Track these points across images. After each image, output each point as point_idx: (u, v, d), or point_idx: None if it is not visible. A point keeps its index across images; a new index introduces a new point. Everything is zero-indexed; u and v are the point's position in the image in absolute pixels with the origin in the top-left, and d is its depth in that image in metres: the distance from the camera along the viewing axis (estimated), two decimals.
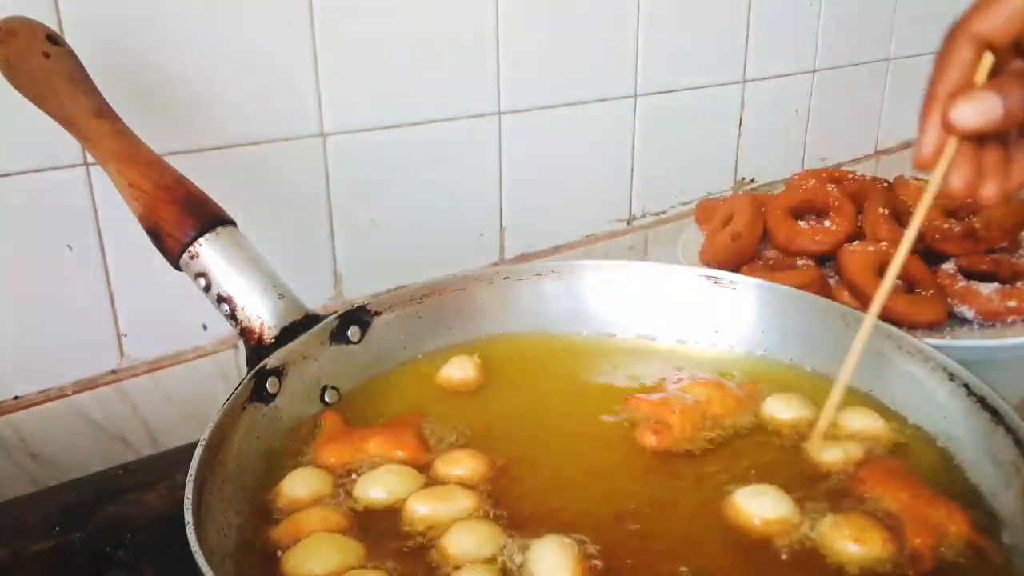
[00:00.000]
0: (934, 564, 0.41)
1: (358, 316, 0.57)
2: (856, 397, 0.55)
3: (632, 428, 0.53)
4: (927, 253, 0.81)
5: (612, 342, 0.64)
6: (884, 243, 0.80)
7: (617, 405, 0.55)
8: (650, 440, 0.51)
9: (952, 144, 0.42)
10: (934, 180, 0.44)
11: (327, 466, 0.49)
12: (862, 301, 0.75)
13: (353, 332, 0.57)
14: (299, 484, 0.47)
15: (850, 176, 0.95)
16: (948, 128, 0.41)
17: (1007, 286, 0.75)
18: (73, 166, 0.63)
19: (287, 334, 0.53)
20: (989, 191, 0.43)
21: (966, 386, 0.49)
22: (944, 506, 0.44)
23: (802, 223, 0.86)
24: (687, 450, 0.51)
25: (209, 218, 0.52)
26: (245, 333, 0.52)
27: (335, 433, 0.51)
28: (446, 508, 0.44)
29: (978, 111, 0.39)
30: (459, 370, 0.58)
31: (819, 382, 0.57)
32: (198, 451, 0.43)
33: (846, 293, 0.77)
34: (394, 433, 0.51)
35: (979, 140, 0.42)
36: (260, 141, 0.71)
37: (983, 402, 0.47)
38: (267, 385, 0.51)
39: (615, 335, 0.64)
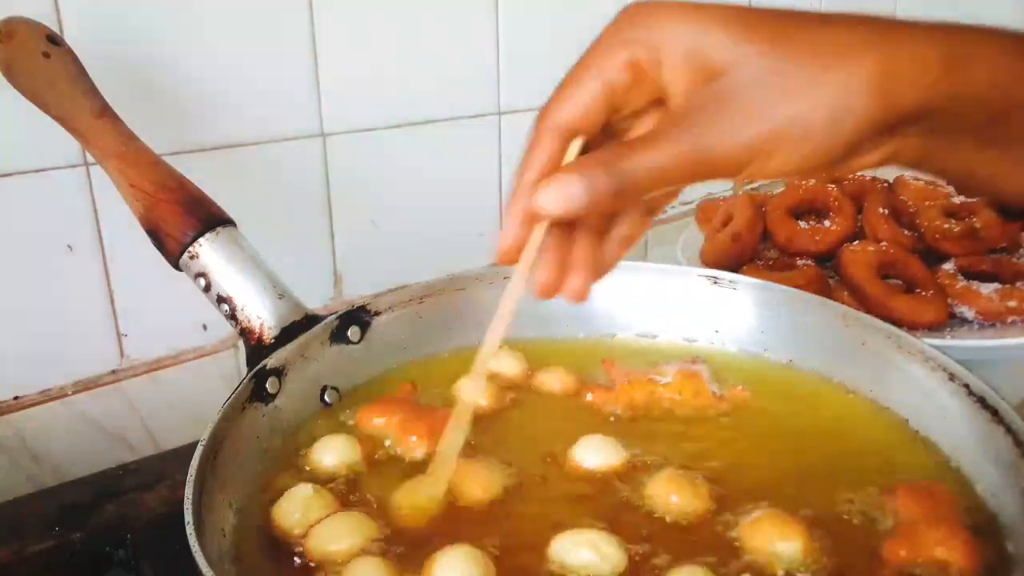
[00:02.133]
0: (893, 572, 0.41)
1: (358, 316, 0.57)
2: (856, 397, 0.56)
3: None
4: (927, 253, 0.81)
5: (613, 342, 0.64)
6: (884, 243, 0.80)
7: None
8: (586, 395, 0.56)
9: (537, 235, 0.39)
10: (516, 275, 0.41)
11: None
12: (862, 301, 0.75)
13: (353, 332, 0.57)
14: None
15: (850, 176, 0.95)
16: (534, 216, 0.38)
17: (1007, 286, 0.75)
18: (73, 166, 0.63)
19: (287, 334, 0.53)
20: (575, 284, 0.40)
21: (966, 386, 0.49)
22: (948, 531, 0.42)
23: (802, 223, 0.86)
24: (618, 414, 0.54)
25: (209, 218, 0.52)
26: (245, 333, 0.52)
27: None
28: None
29: (562, 196, 0.36)
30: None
31: (819, 382, 0.58)
32: (198, 451, 0.43)
33: (846, 293, 0.77)
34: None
35: (567, 231, 0.40)
36: (260, 141, 0.71)
37: (983, 402, 0.47)
38: (267, 385, 0.51)
39: (615, 335, 0.64)
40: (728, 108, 0.34)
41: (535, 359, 0.61)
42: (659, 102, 0.38)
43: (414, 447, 0.50)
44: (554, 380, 0.58)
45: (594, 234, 0.41)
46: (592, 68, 0.38)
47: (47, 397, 0.66)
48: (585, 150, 0.39)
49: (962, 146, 0.36)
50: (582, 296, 0.41)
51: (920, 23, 0.34)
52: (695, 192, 1.09)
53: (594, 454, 0.49)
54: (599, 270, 0.41)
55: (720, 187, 1.13)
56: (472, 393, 0.48)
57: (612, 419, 0.54)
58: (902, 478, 0.47)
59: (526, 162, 0.40)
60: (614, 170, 0.35)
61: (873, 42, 0.33)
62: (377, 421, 0.52)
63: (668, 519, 0.45)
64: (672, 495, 0.45)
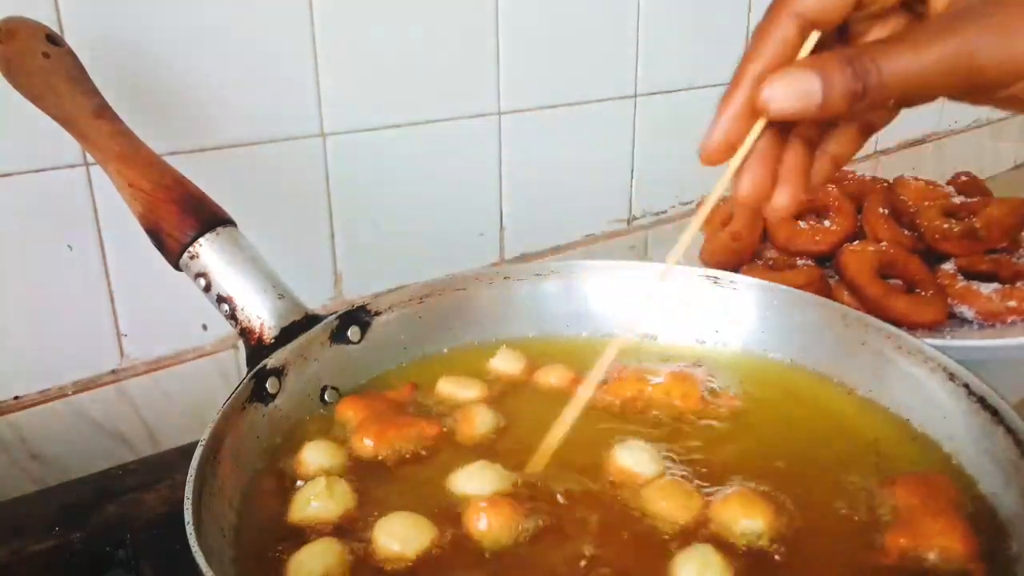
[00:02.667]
0: (894, 562, 0.41)
1: (358, 316, 0.57)
2: (856, 398, 0.56)
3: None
4: (927, 253, 0.81)
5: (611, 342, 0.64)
6: (884, 243, 0.80)
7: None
8: (577, 388, 0.55)
9: (754, 133, 0.36)
10: (722, 180, 0.38)
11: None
12: (862, 301, 0.75)
13: (353, 332, 0.57)
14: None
15: (850, 176, 0.95)
16: (757, 110, 0.35)
17: (1007, 286, 0.75)
18: (73, 166, 0.63)
19: (287, 334, 0.53)
20: (781, 199, 0.37)
21: (966, 386, 0.49)
22: (947, 521, 0.42)
23: (802, 223, 0.86)
24: (605, 406, 0.55)
25: (209, 218, 0.52)
26: (245, 333, 0.52)
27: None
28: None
29: (795, 92, 0.32)
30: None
31: (819, 381, 0.58)
32: (198, 451, 0.43)
33: (846, 293, 0.77)
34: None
35: (783, 134, 0.37)
36: (260, 141, 0.71)
37: (983, 402, 0.47)
38: (267, 385, 0.51)
39: (615, 335, 0.64)
40: (1008, 10, 0.31)
41: (536, 358, 0.61)
42: (907, 5, 0.35)
43: (365, 448, 0.50)
44: (552, 376, 0.58)
45: (807, 145, 0.38)
46: None
47: (47, 397, 0.66)
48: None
49: None
50: (787, 210, 0.37)
51: None
52: (695, 192, 1.09)
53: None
54: (808, 185, 0.38)
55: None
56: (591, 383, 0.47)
57: (593, 411, 0.54)
58: (922, 471, 0.48)
59: (755, 48, 0.35)
60: (861, 68, 0.32)
61: None
62: (347, 414, 0.52)
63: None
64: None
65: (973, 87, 0.32)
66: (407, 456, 0.50)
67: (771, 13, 0.36)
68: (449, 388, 0.56)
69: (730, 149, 0.36)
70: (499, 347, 0.61)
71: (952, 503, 0.44)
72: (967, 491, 0.46)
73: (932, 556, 0.41)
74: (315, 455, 0.49)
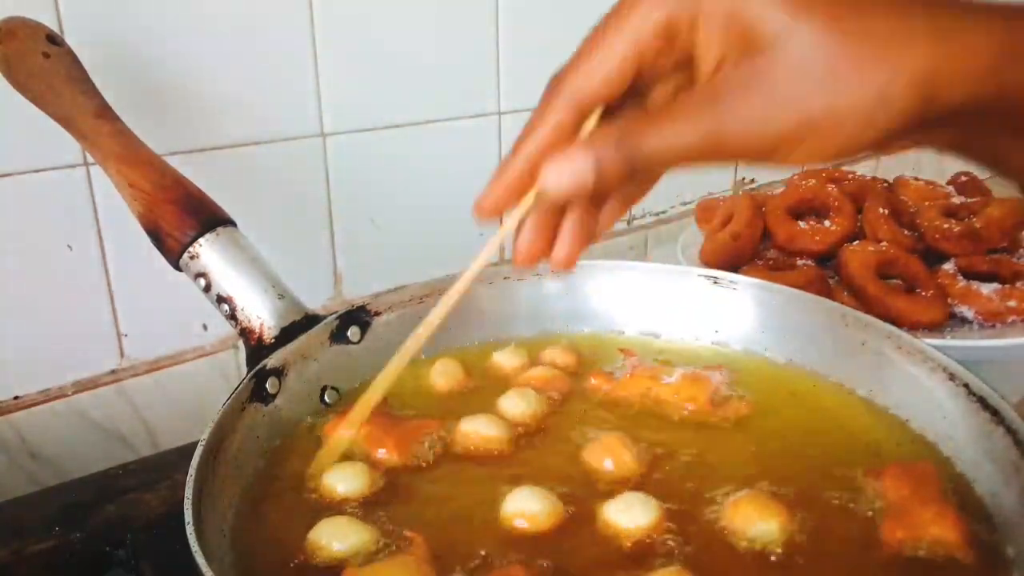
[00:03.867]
0: (893, 553, 0.42)
1: (358, 316, 0.57)
2: (856, 398, 0.56)
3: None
4: (927, 253, 0.81)
5: (612, 342, 0.64)
6: (884, 243, 0.80)
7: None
8: (590, 381, 0.57)
9: (525, 204, 0.38)
10: (491, 241, 0.40)
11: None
12: (862, 301, 0.75)
13: (353, 332, 0.57)
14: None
15: (850, 176, 0.95)
16: (525, 185, 0.37)
17: (1007, 286, 0.75)
18: (73, 166, 0.63)
19: (287, 334, 0.53)
20: (562, 252, 0.39)
21: (966, 386, 0.49)
22: (938, 510, 0.43)
23: (802, 223, 0.86)
24: (613, 400, 0.55)
25: (209, 218, 0.52)
26: (245, 333, 0.52)
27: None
28: None
29: (570, 175, 0.34)
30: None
31: (819, 381, 0.58)
32: (198, 451, 0.43)
33: (846, 293, 0.77)
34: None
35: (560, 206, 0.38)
36: (260, 141, 0.71)
37: (983, 402, 0.47)
38: (267, 385, 0.51)
39: (615, 335, 0.64)
40: (761, 91, 0.32)
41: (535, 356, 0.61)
42: (683, 65, 0.35)
43: (384, 460, 0.49)
44: (556, 356, 0.60)
45: (584, 210, 0.39)
46: (622, 29, 0.35)
47: (47, 397, 0.66)
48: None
49: (1000, 136, 0.34)
50: (570, 264, 0.39)
51: (983, 5, 0.32)
52: (695, 192, 1.09)
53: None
54: (588, 238, 0.39)
55: (720, 187, 1.13)
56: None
57: (619, 405, 0.55)
58: (906, 460, 0.48)
59: (531, 129, 0.37)
60: (626, 147, 0.33)
61: (925, 31, 0.31)
62: (344, 434, 0.50)
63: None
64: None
65: (732, 157, 0.34)
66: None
67: (547, 94, 0.37)
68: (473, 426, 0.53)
69: (499, 212, 0.39)
70: (499, 347, 0.61)
71: (940, 491, 0.45)
72: (960, 486, 0.47)
73: (927, 545, 0.42)
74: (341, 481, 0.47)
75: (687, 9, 0.33)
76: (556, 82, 0.36)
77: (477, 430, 0.51)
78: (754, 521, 0.43)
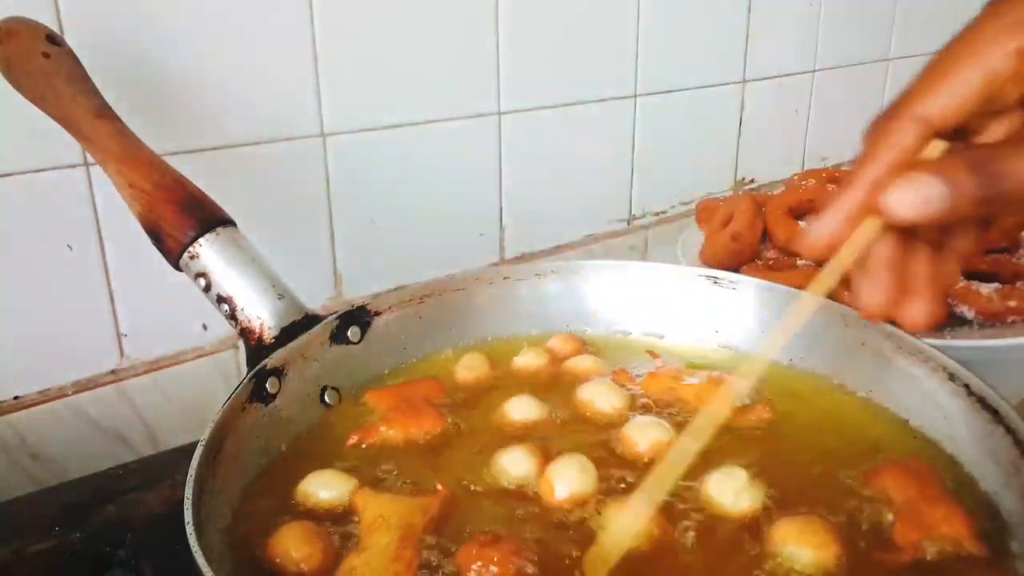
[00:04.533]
0: (912, 557, 0.41)
1: (358, 316, 0.57)
2: (856, 398, 0.56)
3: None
4: None
5: (613, 342, 0.64)
6: None
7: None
8: (610, 376, 0.57)
9: (863, 234, 0.34)
10: (827, 273, 0.35)
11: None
12: None
13: (353, 332, 0.57)
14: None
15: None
16: (877, 213, 0.34)
17: (1007, 286, 0.75)
18: (73, 166, 0.63)
19: (287, 334, 0.53)
20: (917, 312, 0.36)
21: (966, 386, 0.49)
22: (946, 508, 0.43)
23: (802, 223, 0.86)
24: (637, 403, 0.55)
25: (209, 218, 0.52)
26: (245, 333, 0.52)
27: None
28: None
29: (919, 198, 0.31)
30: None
31: (819, 382, 0.58)
32: (198, 451, 0.43)
33: (846, 293, 0.77)
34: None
35: (902, 243, 0.35)
36: (260, 141, 0.71)
37: (983, 402, 0.47)
38: (267, 385, 0.51)
39: (615, 335, 0.64)
40: None
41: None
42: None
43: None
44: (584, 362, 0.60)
45: (931, 248, 0.36)
46: (973, 55, 0.34)
47: (47, 397, 0.66)
48: None
49: None
50: (926, 325, 0.36)
51: None
52: (695, 192, 1.09)
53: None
54: (941, 291, 0.36)
55: (720, 187, 1.13)
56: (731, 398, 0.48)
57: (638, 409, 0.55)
58: (900, 458, 0.48)
59: (873, 152, 0.35)
60: (987, 175, 0.31)
61: None
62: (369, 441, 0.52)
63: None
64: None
65: None
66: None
67: (891, 115, 0.35)
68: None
69: (837, 243, 0.35)
70: (499, 347, 0.62)
71: (942, 487, 0.45)
72: (960, 479, 0.47)
73: (941, 544, 0.42)
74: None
75: None
76: (904, 103, 0.35)
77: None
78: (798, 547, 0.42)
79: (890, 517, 0.44)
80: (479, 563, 0.39)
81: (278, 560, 0.42)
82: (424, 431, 0.52)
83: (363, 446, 0.51)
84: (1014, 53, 0.33)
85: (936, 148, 0.34)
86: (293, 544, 0.42)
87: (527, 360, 0.60)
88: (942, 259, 0.37)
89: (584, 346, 0.62)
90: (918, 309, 0.36)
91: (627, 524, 0.41)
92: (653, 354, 0.61)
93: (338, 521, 0.45)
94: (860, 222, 0.35)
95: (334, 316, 0.56)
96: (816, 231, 0.36)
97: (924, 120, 0.34)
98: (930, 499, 0.44)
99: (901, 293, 0.36)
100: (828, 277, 0.36)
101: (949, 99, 0.34)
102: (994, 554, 0.41)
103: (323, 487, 0.47)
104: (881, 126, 0.35)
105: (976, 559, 0.41)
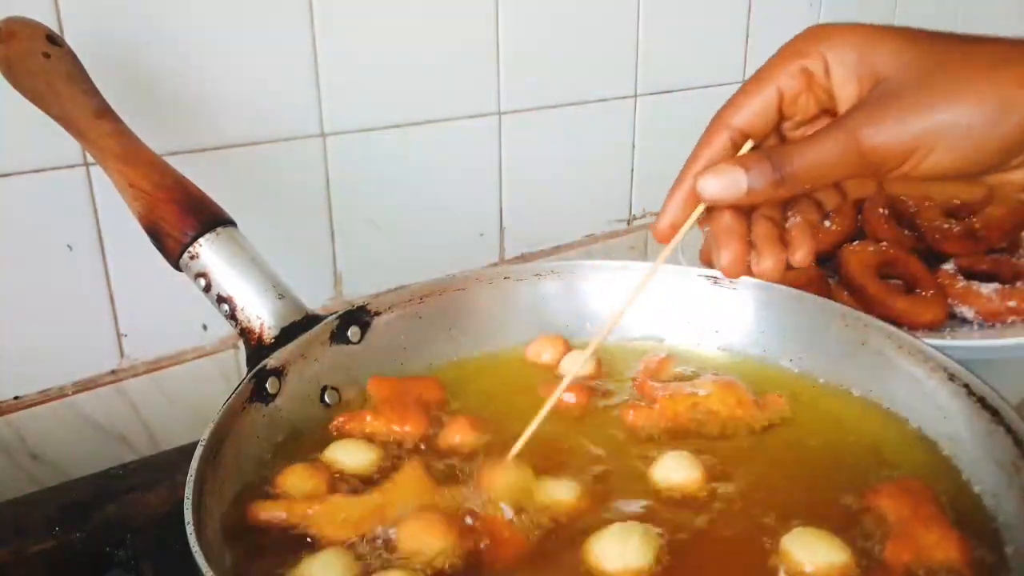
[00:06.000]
0: (903, 574, 0.41)
1: (358, 316, 0.57)
2: (856, 398, 0.56)
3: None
4: (927, 253, 0.81)
5: (612, 342, 0.64)
6: (884, 243, 0.80)
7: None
8: (628, 415, 0.54)
9: (692, 216, 0.43)
10: (664, 251, 0.45)
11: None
12: (862, 301, 0.75)
13: (353, 332, 0.57)
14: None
15: None
16: (695, 200, 0.43)
17: (1007, 286, 0.75)
18: (73, 166, 0.63)
19: (287, 334, 0.53)
20: (766, 264, 0.43)
21: (966, 386, 0.49)
22: (940, 531, 0.42)
23: None
24: (665, 430, 0.53)
25: (209, 218, 0.52)
26: (245, 333, 0.52)
27: None
28: None
29: (724, 182, 0.40)
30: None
31: (819, 382, 0.58)
32: (198, 451, 0.43)
33: (846, 293, 0.77)
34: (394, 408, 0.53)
35: (744, 216, 0.43)
36: (260, 141, 0.71)
37: (983, 402, 0.47)
38: (267, 385, 0.51)
39: (615, 335, 0.64)
40: (891, 105, 0.38)
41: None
42: (828, 112, 0.43)
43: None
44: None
45: (774, 224, 0.44)
46: (767, 76, 0.43)
47: (47, 397, 0.66)
48: None
49: None
50: (774, 275, 0.43)
51: None
52: None
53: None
54: (792, 252, 0.43)
55: None
56: (573, 366, 0.51)
57: (656, 437, 0.53)
58: (899, 477, 0.47)
59: (696, 154, 0.44)
60: (776, 162, 0.40)
61: (1017, 59, 0.37)
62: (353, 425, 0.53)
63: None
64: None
65: (867, 169, 0.39)
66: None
67: (709, 126, 0.44)
68: None
69: (675, 229, 0.44)
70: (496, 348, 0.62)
71: (938, 508, 0.44)
72: (958, 495, 0.46)
73: (933, 567, 0.41)
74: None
75: (820, 60, 0.41)
76: (718, 116, 0.44)
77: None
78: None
79: (881, 533, 0.43)
80: None
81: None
82: (404, 431, 0.52)
83: (345, 428, 0.52)
84: (799, 73, 0.42)
85: (748, 145, 0.43)
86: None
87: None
88: (789, 225, 0.44)
89: (567, 347, 0.62)
90: (765, 263, 0.43)
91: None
92: (639, 384, 0.58)
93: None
94: (690, 207, 0.44)
95: (334, 316, 0.56)
96: (661, 220, 0.45)
97: (734, 127, 0.43)
98: (924, 521, 0.43)
99: (747, 255, 0.43)
100: (669, 250, 0.46)
101: (752, 110, 0.43)
102: None
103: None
104: (704, 134, 0.44)
105: None
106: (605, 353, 0.62)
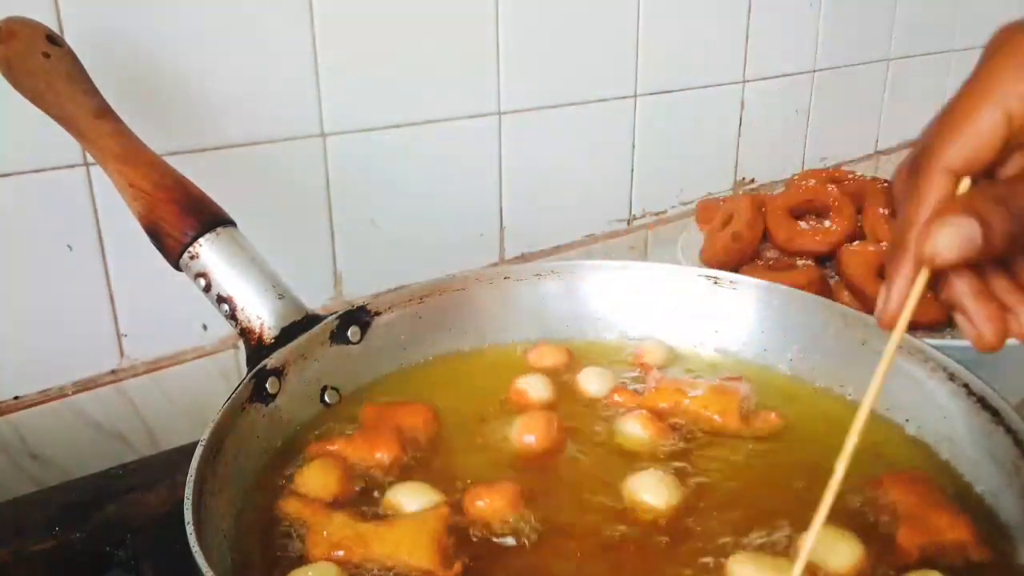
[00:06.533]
0: (919, 558, 0.42)
1: (358, 316, 0.57)
2: (856, 398, 0.56)
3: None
4: None
5: (612, 342, 0.64)
6: (884, 243, 0.80)
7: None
8: (613, 397, 0.56)
9: (918, 286, 0.36)
10: (893, 340, 0.37)
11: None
12: (862, 301, 0.75)
13: (353, 332, 0.57)
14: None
15: (850, 176, 0.95)
16: (925, 262, 0.35)
17: None
18: (73, 166, 0.63)
19: (287, 334, 0.53)
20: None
21: (966, 386, 0.49)
22: (949, 515, 0.43)
23: (802, 223, 0.86)
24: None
25: (209, 218, 0.52)
26: (245, 333, 0.52)
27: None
28: None
29: (957, 240, 0.33)
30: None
31: (819, 382, 0.58)
32: (198, 451, 0.43)
33: (846, 293, 0.77)
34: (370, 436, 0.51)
35: (974, 271, 0.36)
36: (260, 141, 0.71)
37: (983, 402, 0.47)
38: (267, 385, 0.51)
39: (615, 335, 0.64)
40: None
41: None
42: None
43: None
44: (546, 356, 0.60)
45: (1006, 275, 0.37)
46: (989, 98, 0.34)
47: (47, 397, 0.66)
48: None
49: None
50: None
51: None
52: (695, 192, 1.09)
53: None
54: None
55: (720, 187, 1.13)
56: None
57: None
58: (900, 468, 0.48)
59: (910, 211, 0.36)
60: (1017, 207, 0.33)
61: None
62: (329, 448, 0.51)
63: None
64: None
65: None
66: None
67: (918, 170, 0.36)
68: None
69: (914, 303, 0.37)
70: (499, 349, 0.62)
71: (944, 496, 0.46)
72: (959, 487, 0.47)
73: (946, 549, 0.42)
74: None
75: None
76: (931, 156, 0.36)
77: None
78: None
79: (890, 521, 0.44)
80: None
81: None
82: (376, 461, 0.50)
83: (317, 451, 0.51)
84: None
85: (962, 186, 0.35)
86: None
87: (536, 391, 0.57)
88: (1017, 270, 0.37)
89: (570, 357, 0.61)
90: (1020, 321, 0.37)
91: None
92: (645, 367, 0.60)
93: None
94: (915, 277, 0.36)
95: (334, 316, 0.56)
96: (889, 303, 0.37)
97: (951, 171, 0.35)
98: (933, 506, 0.44)
99: (1005, 313, 0.37)
100: (899, 333, 0.38)
101: (972, 148, 0.34)
102: (998, 558, 0.42)
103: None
104: (911, 183, 0.36)
105: (980, 564, 0.41)
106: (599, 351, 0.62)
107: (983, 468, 0.47)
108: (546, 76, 0.89)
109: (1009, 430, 0.45)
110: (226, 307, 0.52)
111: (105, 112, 0.54)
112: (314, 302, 0.61)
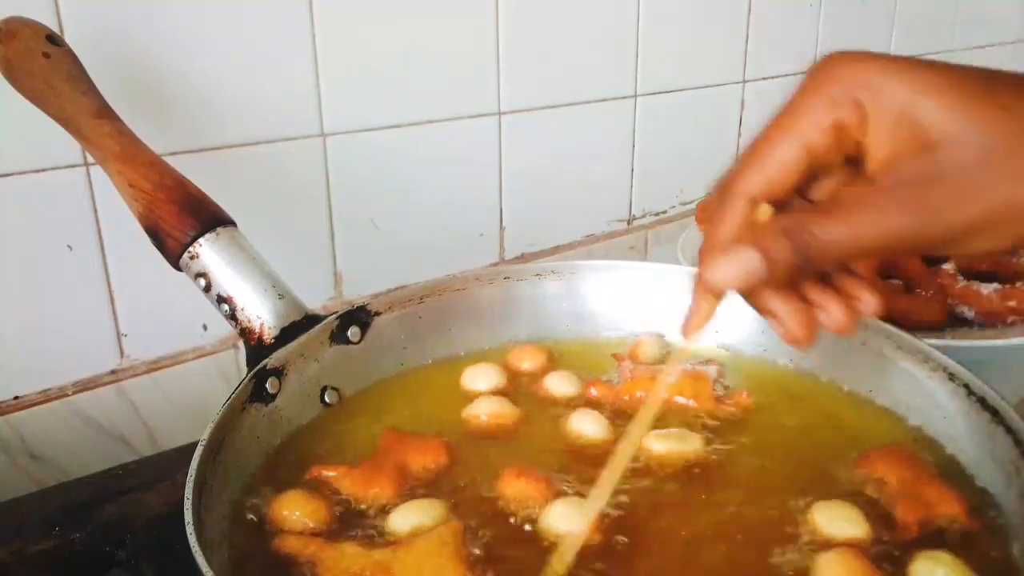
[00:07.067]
0: (919, 532, 0.43)
1: (358, 316, 0.57)
2: (857, 399, 0.56)
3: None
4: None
5: (612, 342, 0.64)
6: None
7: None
8: (589, 391, 0.57)
9: (711, 306, 0.39)
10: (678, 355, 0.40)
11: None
12: None
13: (353, 332, 0.57)
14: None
15: None
16: (709, 290, 0.37)
17: (1007, 286, 0.75)
18: (73, 166, 0.63)
19: (287, 334, 0.53)
20: (836, 316, 0.38)
21: (966, 386, 0.49)
22: (938, 490, 0.45)
23: None
24: (618, 410, 0.54)
25: (209, 218, 0.52)
26: (245, 333, 0.52)
27: None
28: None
29: (739, 271, 0.35)
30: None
31: (819, 382, 0.58)
32: (198, 451, 0.43)
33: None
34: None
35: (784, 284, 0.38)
36: (260, 141, 0.71)
37: (983, 402, 0.47)
38: (267, 385, 0.51)
39: (615, 335, 0.64)
40: (943, 185, 0.32)
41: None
42: (849, 161, 0.36)
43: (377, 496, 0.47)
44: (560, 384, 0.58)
45: (820, 283, 0.39)
46: (792, 130, 0.36)
47: (47, 397, 0.66)
48: None
49: None
50: (845, 327, 0.38)
51: None
52: (695, 192, 1.09)
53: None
54: (846, 301, 0.38)
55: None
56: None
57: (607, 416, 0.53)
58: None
59: (713, 236, 0.37)
60: (800, 241, 0.34)
61: None
62: (328, 474, 0.48)
63: None
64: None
65: (914, 249, 0.34)
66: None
67: (721, 194, 0.37)
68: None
69: (706, 321, 0.40)
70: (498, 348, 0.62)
71: (929, 470, 0.47)
72: (940, 461, 0.49)
73: (940, 522, 0.44)
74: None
75: (855, 112, 0.34)
76: (730, 183, 0.37)
77: None
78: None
79: (884, 497, 0.45)
80: None
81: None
82: (369, 497, 0.47)
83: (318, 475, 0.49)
84: (831, 128, 0.35)
85: (764, 212, 0.37)
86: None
87: (488, 408, 0.55)
88: (835, 277, 0.39)
89: (550, 358, 0.61)
90: (830, 316, 0.38)
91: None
92: (619, 358, 0.60)
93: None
94: (716, 300, 0.39)
95: (334, 316, 0.56)
96: (691, 319, 0.40)
97: (751, 197, 0.36)
98: (924, 481, 0.46)
99: (812, 314, 0.38)
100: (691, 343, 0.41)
101: (772, 175, 0.36)
102: (987, 526, 0.44)
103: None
104: (714, 206, 0.38)
105: (972, 532, 0.43)
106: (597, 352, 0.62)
107: (983, 468, 0.47)
108: (546, 76, 0.89)
109: (1009, 430, 0.45)
110: (226, 307, 0.52)
111: (105, 112, 0.54)
112: (314, 302, 0.61)
